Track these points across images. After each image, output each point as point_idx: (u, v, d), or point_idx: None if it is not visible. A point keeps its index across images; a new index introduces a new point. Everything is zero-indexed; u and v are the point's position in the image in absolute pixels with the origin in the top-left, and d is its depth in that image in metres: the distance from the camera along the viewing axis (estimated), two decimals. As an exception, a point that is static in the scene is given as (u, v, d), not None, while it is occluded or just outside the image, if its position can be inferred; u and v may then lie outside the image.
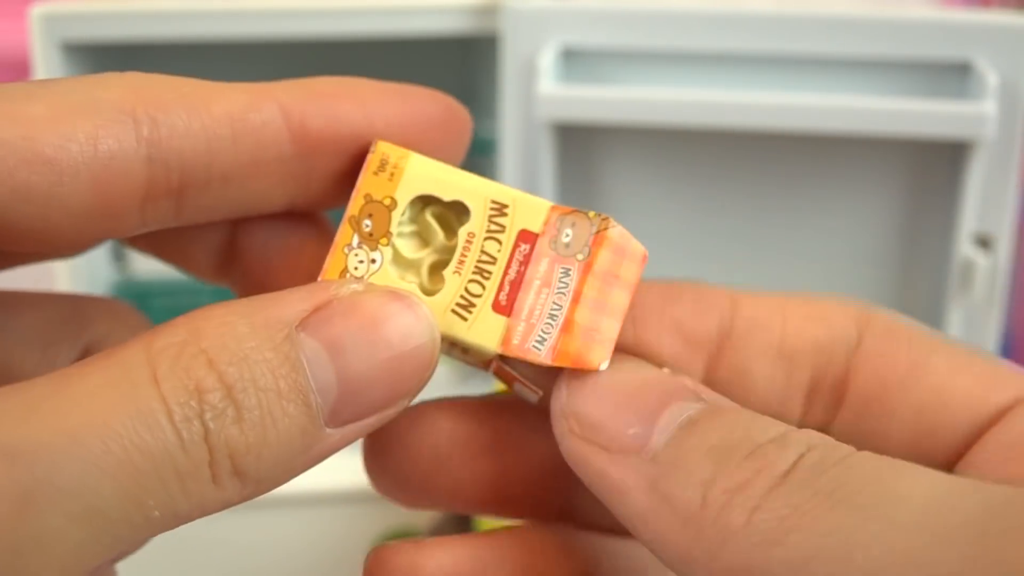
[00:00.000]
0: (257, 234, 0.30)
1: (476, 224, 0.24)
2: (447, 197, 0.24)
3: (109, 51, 0.91)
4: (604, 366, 0.23)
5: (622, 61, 0.72)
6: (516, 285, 0.24)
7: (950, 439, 0.26)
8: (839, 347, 0.27)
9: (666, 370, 0.25)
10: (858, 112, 0.66)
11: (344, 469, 0.86)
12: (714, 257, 0.76)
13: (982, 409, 0.25)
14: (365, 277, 0.24)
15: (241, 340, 0.23)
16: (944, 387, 0.26)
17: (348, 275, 0.24)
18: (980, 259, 0.69)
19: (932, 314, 0.74)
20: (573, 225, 0.24)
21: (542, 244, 0.23)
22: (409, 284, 0.24)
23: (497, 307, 0.24)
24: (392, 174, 0.24)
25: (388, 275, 0.24)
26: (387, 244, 0.24)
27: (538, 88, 0.69)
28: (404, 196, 0.24)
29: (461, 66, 1.05)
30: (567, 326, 0.23)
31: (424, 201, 0.25)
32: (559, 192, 0.75)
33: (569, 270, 0.24)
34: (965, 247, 0.70)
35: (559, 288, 0.23)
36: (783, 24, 0.69)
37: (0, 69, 1.60)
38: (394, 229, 0.24)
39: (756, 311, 0.28)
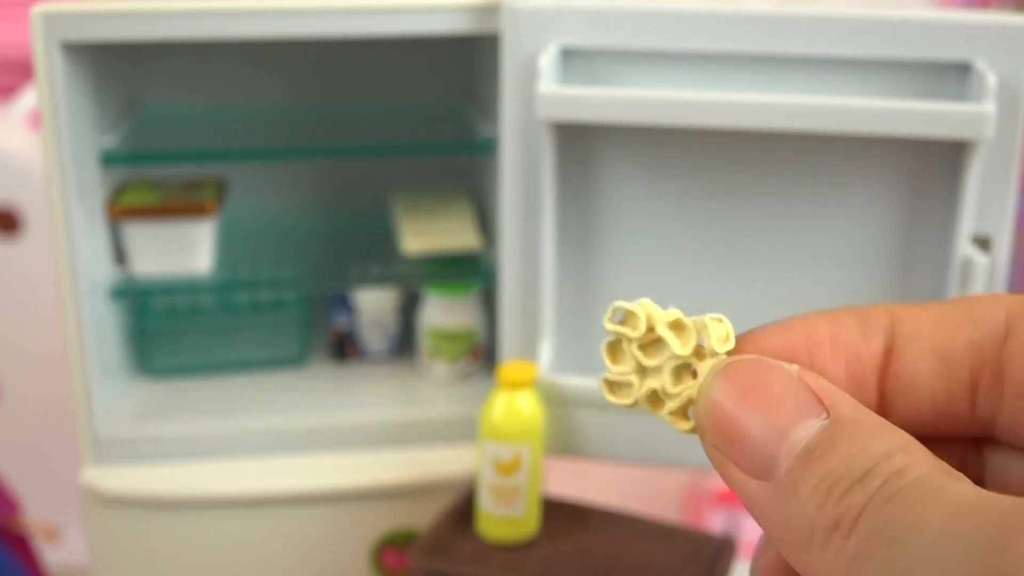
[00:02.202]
0: None
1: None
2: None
3: (109, 51, 0.91)
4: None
5: (622, 61, 0.73)
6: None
7: None
8: (990, 343, 0.29)
9: (794, 367, 0.28)
10: (858, 112, 0.66)
11: (344, 469, 0.86)
12: (713, 256, 0.76)
13: None
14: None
15: None
16: None
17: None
18: (979, 259, 0.69)
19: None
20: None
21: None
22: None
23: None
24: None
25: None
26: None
27: (538, 88, 0.69)
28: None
29: (461, 66, 1.05)
30: None
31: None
32: (559, 190, 0.75)
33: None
34: (964, 247, 0.70)
35: None
36: (783, 24, 0.70)
37: (0, 69, 1.60)
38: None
39: (913, 323, 0.31)
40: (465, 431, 0.86)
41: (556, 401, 0.73)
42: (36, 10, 0.73)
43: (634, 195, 0.76)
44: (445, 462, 0.85)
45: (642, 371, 0.29)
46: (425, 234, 0.91)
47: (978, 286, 0.70)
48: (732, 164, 0.74)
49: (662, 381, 0.29)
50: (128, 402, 0.90)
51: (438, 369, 0.93)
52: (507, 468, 0.70)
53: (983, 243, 0.71)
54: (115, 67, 0.92)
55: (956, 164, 0.70)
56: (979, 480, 0.30)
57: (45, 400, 1.38)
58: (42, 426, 1.40)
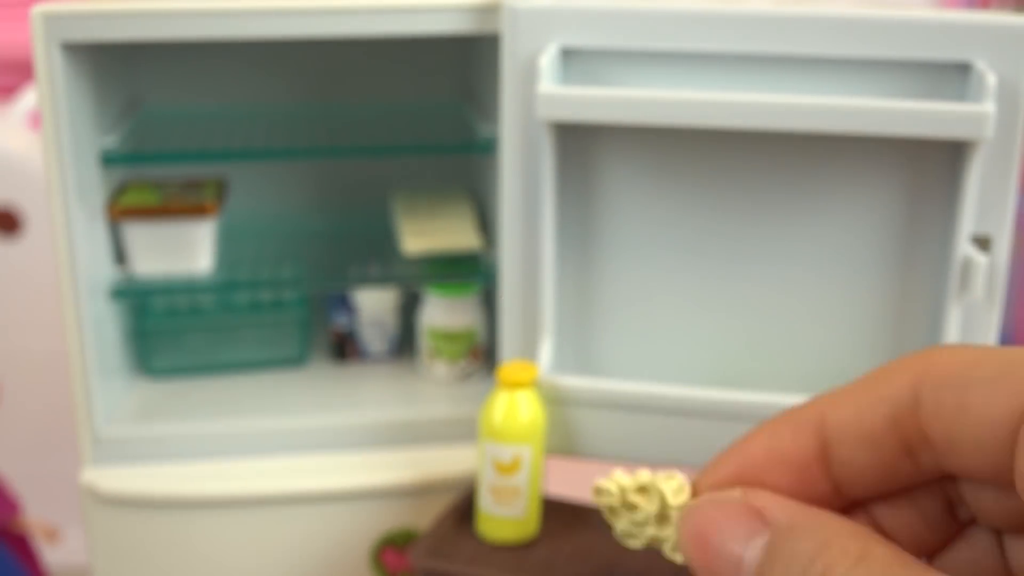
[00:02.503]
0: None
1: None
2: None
3: (109, 51, 0.91)
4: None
5: (622, 61, 0.73)
6: None
7: (997, 456, 0.31)
8: (905, 415, 0.33)
9: (737, 493, 0.34)
10: (858, 112, 0.66)
11: (344, 469, 0.86)
12: (713, 255, 0.76)
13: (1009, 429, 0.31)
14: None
15: None
16: (980, 420, 0.31)
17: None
18: (979, 259, 0.69)
19: (932, 313, 0.74)
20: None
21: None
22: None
23: None
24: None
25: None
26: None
27: (538, 88, 0.69)
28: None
29: (461, 66, 1.05)
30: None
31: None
32: (559, 190, 0.75)
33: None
34: (964, 247, 0.70)
35: None
36: (783, 24, 0.70)
37: (0, 69, 1.60)
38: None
39: (836, 414, 0.35)
40: (465, 431, 0.86)
41: (556, 401, 0.73)
42: (36, 10, 0.73)
43: (634, 195, 0.76)
44: (445, 462, 0.85)
45: (638, 523, 0.37)
46: (425, 234, 0.91)
47: (978, 286, 0.70)
48: (732, 164, 0.74)
49: (652, 529, 0.36)
50: (128, 402, 0.90)
51: (438, 369, 0.93)
52: (507, 468, 0.70)
53: (983, 243, 0.71)
54: (115, 67, 0.92)
55: (956, 164, 0.70)
56: (961, 502, 0.33)
57: (45, 400, 1.38)
58: (42, 426, 1.40)
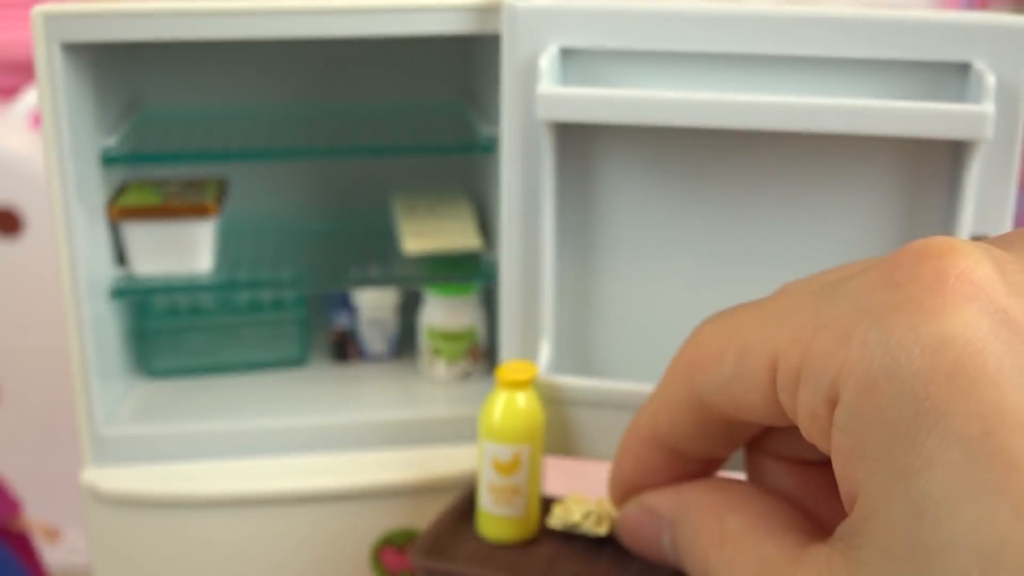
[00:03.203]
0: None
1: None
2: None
3: (110, 51, 0.91)
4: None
5: (622, 61, 0.73)
6: None
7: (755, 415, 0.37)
8: (703, 412, 0.40)
9: (634, 502, 0.45)
10: (858, 112, 0.66)
11: (344, 469, 0.86)
12: (712, 255, 0.76)
13: (757, 402, 0.36)
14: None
15: None
16: (752, 413, 0.36)
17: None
18: (979, 259, 0.69)
19: (931, 314, 0.74)
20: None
21: None
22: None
23: None
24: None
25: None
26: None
27: (538, 88, 0.69)
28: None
29: (461, 66, 1.05)
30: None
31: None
32: (558, 190, 0.75)
33: None
34: (964, 247, 0.70)
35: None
36: (783, 24, 0.70)
37: (0, 69, 1.60)
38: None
39: (662, 426, 0.43)
40: (465, 431, 0.86)
41: (555, 401, 0.73)
42: (36, 10, 0.73)
43: (634, 195, 0.76)
44: (445, 462, 0.85)
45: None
46: (425, 234, 0.91)
47: (978, 286, 0.70)
48: (732, 164, 0.74)
49: (594, 530, 0.60)
50: (128, 402, 0.90)
51: (438, 369, 0.93)
52: (507, 468, 0.70)
53: (983, 243, 0.71)
54: (115, 67, 0.92)
55: (955, 164, 0.70)
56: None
57: (45, 400, 1.38)
58: (42, 426, 1.40)
